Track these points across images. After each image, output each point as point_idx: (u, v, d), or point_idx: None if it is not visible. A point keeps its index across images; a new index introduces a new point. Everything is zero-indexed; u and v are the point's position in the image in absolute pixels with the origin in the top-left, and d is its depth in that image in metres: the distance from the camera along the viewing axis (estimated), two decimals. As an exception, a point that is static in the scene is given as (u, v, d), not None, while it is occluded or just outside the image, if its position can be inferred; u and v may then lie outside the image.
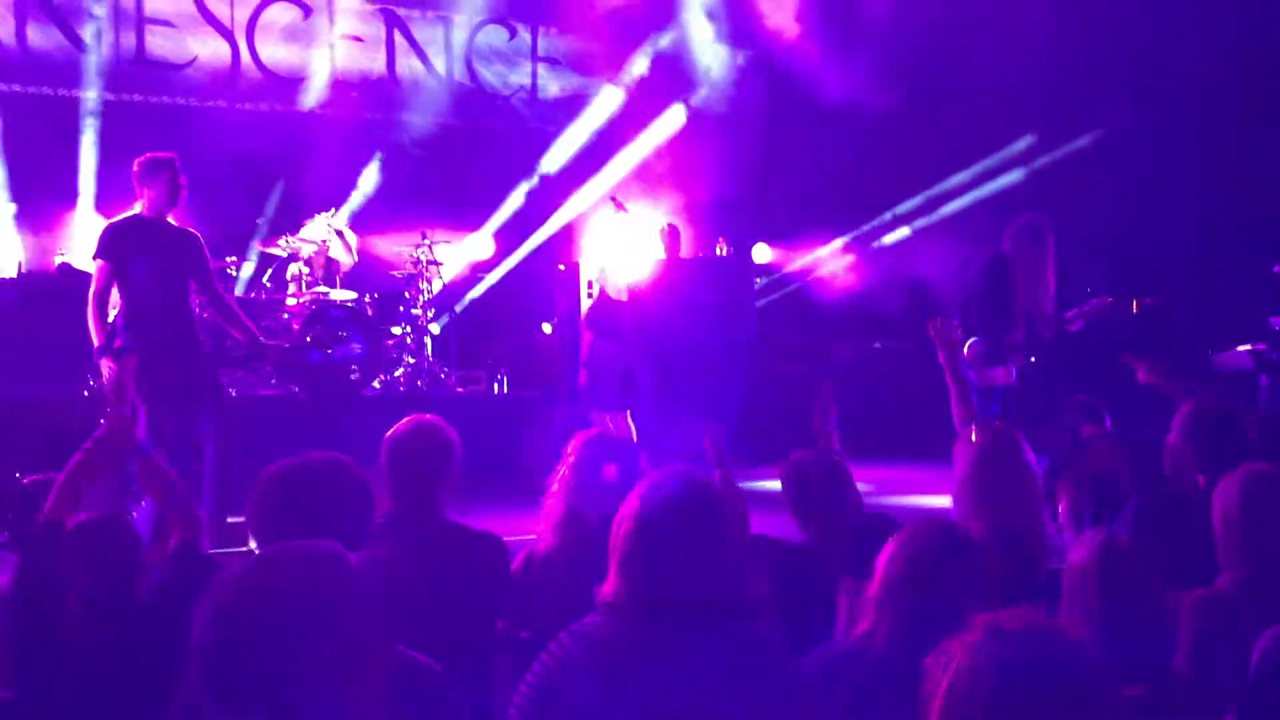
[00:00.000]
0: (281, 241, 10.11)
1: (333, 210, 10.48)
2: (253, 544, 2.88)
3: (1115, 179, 12.07)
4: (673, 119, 13.02)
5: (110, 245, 6.11)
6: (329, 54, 12.16)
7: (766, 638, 2.51)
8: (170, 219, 6.25)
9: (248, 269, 10.51)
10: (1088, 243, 11.28)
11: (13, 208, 10.29)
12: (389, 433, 3.51)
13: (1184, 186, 11.78)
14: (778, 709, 2.49)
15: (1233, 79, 11.82)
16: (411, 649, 3.08)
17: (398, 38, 12.50)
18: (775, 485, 4.44)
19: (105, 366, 5.82)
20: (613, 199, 8.69)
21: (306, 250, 10.06)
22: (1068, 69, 12.03)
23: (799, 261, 13.67)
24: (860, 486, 4.21)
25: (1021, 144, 12.73)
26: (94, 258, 6.16)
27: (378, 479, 3.44)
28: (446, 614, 3.17)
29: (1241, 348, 9.65)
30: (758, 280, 12.75)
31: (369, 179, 11.83)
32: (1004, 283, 6.93)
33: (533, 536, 3.82)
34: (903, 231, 13.34)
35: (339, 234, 10.31)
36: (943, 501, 4.78)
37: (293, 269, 10.01)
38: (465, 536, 3.49)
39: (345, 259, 10.30)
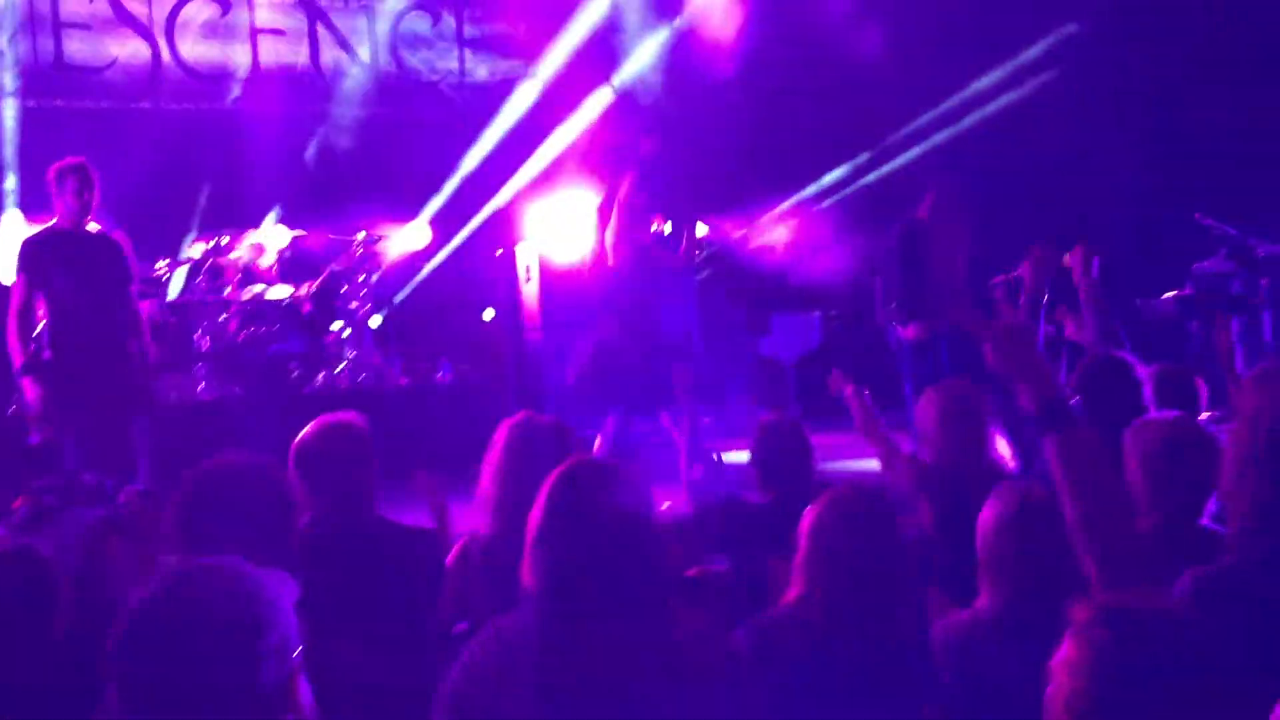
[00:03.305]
0: (212, 244, 10.03)
1: (273, 217, 10.38)
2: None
3: (1046, 132, 12.19)
4: (605, 95, 12.98)
5: (26, 260, 6.01)
6: (250, 49, 12.02)
7: (693, 615, 2.54)
8: (91, 225, 6.15)
9: (180, 272, 10.38)
10: (1019, 196, 11.41)
11: None
12: (296, 438, 3.49)
13: (1113, 137, 11.92)
14: (712, 687, 2.52)
15: (1157, 26, 11.95)
16: (349, 650, 3.09)
17: (320, 29, 12.37)
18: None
19: (27, 386, 5.73)
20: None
21: (246, 254, 9.97)
22: (1002, 20, 12.14)
23: (738, 234, 13.68)
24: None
25: (953, 100, 12.82)
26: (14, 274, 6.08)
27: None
28: (381, 612, 3.17)
29: (1167, 295, 9.83)
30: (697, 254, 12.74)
31: (299, 173, 11.71)
32: (917, 247, 7.35)
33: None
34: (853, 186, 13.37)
35: (280, 254, 10.23)
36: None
37: (226, 262, 9.90)
38: (394, 532, 3.48)
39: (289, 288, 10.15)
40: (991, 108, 12.66)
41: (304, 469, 3.41)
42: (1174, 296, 9.94)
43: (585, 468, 2.54)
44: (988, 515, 2.92)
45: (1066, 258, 5.62)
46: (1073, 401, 4.10)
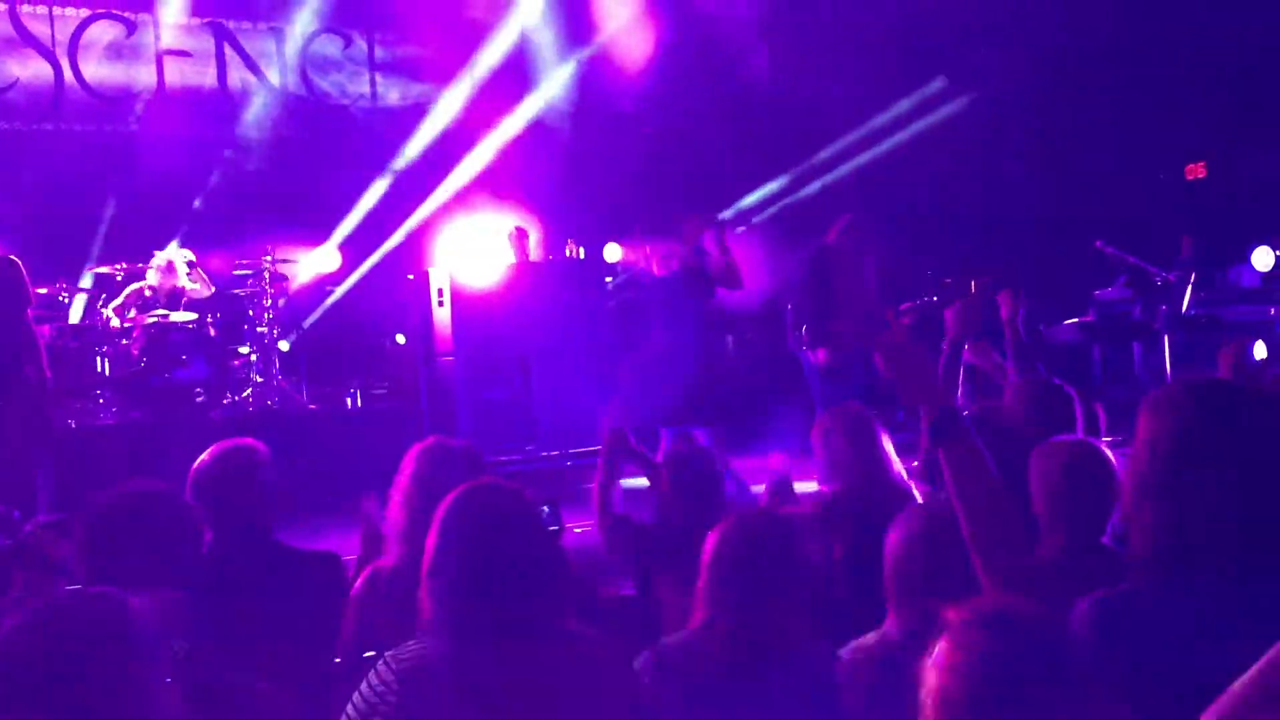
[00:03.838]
0: (115, 266, 9.82)
1: (176, 244, 10.22)
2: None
3: (952, 163, 12.41)
4: (517, 121, 12.97)
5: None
6: (156, 70, 11.83)
7: (594, 639, 2.52)
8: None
9: (82, 296, 10.17)
10: (926, 227, 11.61)
11: None
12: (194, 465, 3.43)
13: (1017, 167, 12.17)
14: (615, 711, 2.50)
15: (1059, 61, 12.25)
16: (250, 678, 3.01)
17: (228, 51, 12.22)
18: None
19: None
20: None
21: (153, 277, 9.78)
22: (904, 53, 12.35)
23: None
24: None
25: (858, 134, 12.99)
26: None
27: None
28: (283, 640, 3.11)
29: (1070, 321, 10.06)
30: (609, 280, 12.77)
31: (206, 196, 11.54)
32: (825, 273, 7.45)
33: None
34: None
35: (191, 265, 10.03)
36: (803, 487, 4.90)
37: (130, 289, 9.70)
38: (296, 559, 3.42)
39: (202, 291, 9.97)
40: (900, 137, 12.86)
41: (201, 495, 3.34)
42: (1076, 323, 10.17)
43: (479, 495, 2.51)
44: (894, 538, 2.94)
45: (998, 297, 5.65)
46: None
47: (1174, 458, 2.19)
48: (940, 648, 1.69)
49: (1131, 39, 12.11)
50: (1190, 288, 10.25)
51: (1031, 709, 1.60)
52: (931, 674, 1.68)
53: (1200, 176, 12.66)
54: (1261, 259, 10.62)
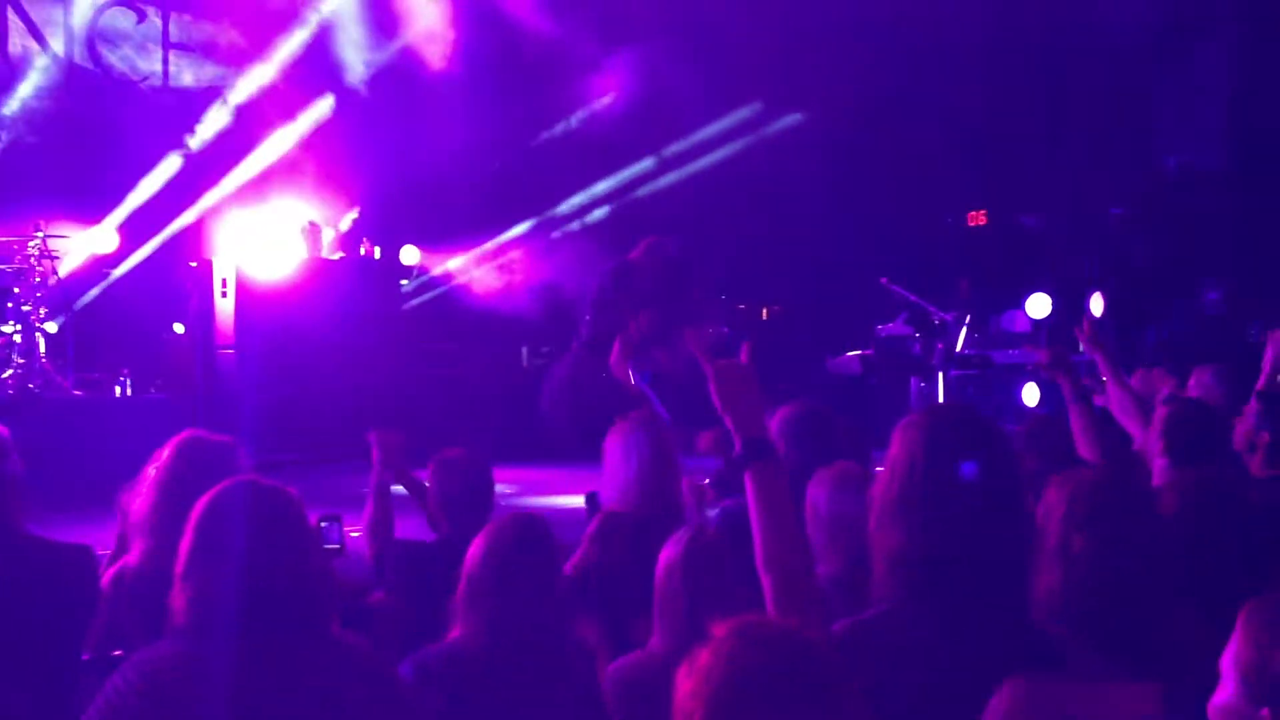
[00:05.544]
0: None
1: None
2: None
3: (748, 194, 12.68)
4: (316, 113, 12.63)
5: None
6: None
7: (356, 645, 2.45)
8: None
9: None
10: (722, 253, 11.83)
11: None
12: None
13: (805, 202, 12.48)
14: (376, 716, 2.44)
15: (858, 99, 12.64)
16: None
17: (10, 15, 11.57)
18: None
19: None
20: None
21: None
22: (705, 79, 12.56)
23: (447, 264, 13.58)
24: (504, 488, 4.26)
25: (655, 159, 13.15)
26: None
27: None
28: (26, 633, 2.93)
29: (851, 353, 10.39)
30: (404, 283, 12.59)
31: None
32: (630, 289, 7.44)
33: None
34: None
35: None
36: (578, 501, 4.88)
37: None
38: (44, 549, 3.21)
39: None
40: (701, 163, 13.08)
41: None
42: (857, 355, 10.51)
43: (237, 494, 2.42)
44: (662, 558, 2.97)
45: None
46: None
47: (904, 483, 2.27)
48: (698, 656, 1.70)
49: (928, 84, 12.59)
50: (965, 328, 10.74)
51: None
52: (684, 680, 1.69)
53: (981, 224, 13.23)
54: (1036, 306, 11.17)
